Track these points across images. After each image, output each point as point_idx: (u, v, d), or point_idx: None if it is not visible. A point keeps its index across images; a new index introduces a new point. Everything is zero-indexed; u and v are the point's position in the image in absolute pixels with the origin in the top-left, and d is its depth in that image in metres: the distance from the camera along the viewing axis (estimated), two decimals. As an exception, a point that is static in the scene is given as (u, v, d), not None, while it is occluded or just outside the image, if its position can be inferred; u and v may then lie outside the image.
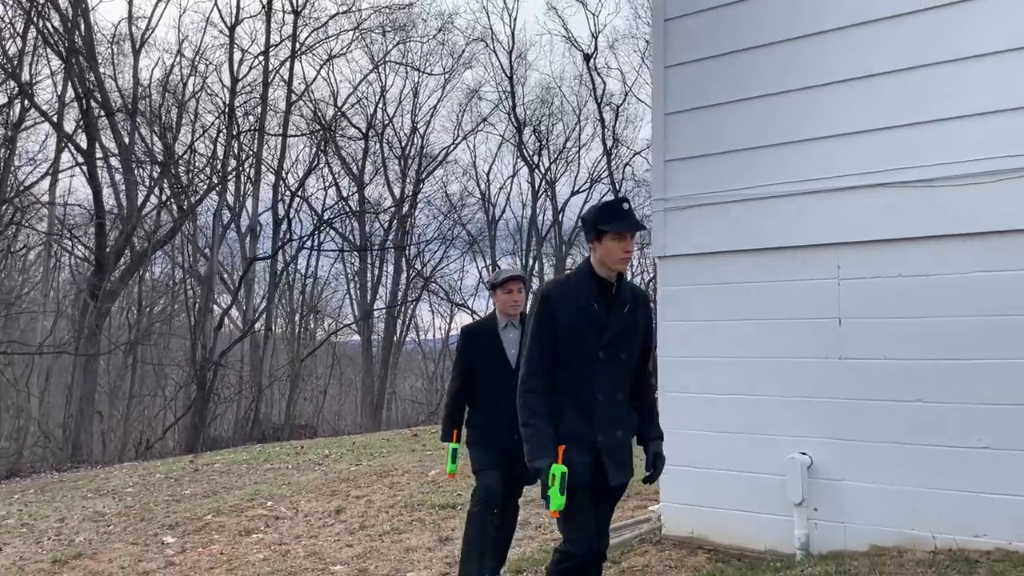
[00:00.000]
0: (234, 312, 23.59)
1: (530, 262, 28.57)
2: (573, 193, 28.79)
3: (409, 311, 28.92)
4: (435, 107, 28.22)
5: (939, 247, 4.06)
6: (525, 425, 2.92)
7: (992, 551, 3.75)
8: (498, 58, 27.83)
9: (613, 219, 2.94)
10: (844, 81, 4.36)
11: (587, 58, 26.74)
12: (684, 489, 4.71)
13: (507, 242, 29.75)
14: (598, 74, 26.68)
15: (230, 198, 22.71)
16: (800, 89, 4.50)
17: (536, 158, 28.52)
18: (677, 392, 4.87)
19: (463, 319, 29.19)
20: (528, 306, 3.78)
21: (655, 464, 3.04)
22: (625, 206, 3.01)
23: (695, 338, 4.84)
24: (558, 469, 2.80)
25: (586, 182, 28.40)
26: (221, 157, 21.37)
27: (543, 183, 28.81)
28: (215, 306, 21.61)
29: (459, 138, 28.24)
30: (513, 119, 27.54)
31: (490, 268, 28.27)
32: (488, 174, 30.02)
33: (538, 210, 28.72)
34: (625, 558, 4.49)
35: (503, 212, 29.33)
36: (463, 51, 27.63)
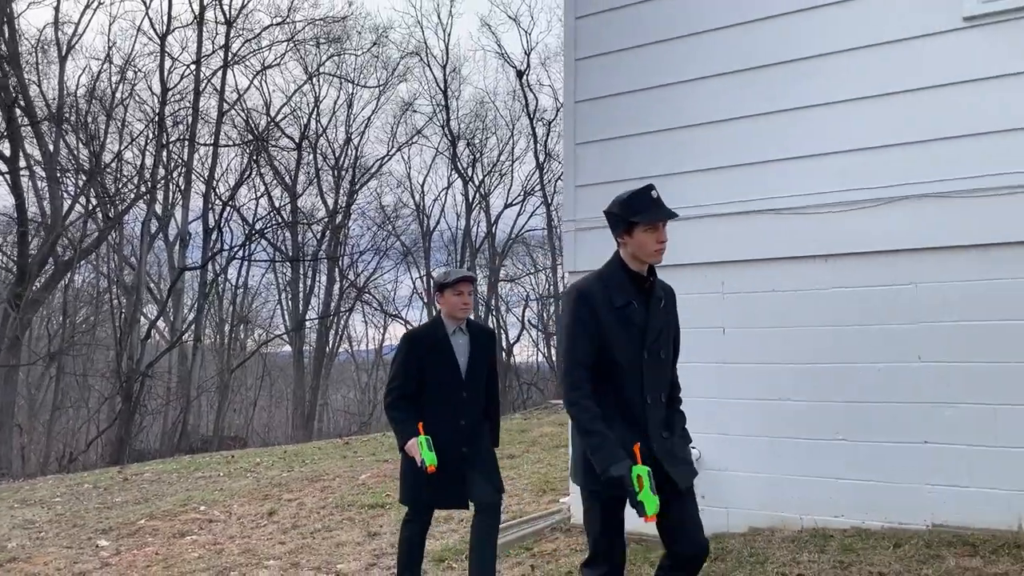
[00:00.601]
0: (161, 323, 23.31)
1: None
2: (507, 205, 29.36)
3: (342, 322, 29.01)
4: (369, 119, 28.52)
5: (802, 266, 4.68)
6: (588, 433, 2.66)
7: (848, 529, 4.36)
8: (432, 72, 28.30)
9: (644, 209, 2.74)
10: (724, 121, 4.96)
11: (520, 74, 27.47)
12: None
13: (441, 253, 30.14)
14: (531, 90, 27.46)
15: (159, 208, 22.47)
16: (688, 126, 5.09)
17: (470, 171, 29.04)
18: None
19: (397, 330, 29.41)
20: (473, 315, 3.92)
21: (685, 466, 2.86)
22: (654, 194, 2.79)
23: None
24: (642, 470, 2.55)
25: (519, 195, 29.03)
26: (150, 166, 21.19)
27: (477, 195, 29.32)
28: (142, 316, 21.35)
29: (393, 150, 28.56)
30: (447, 132, 28.03)
31: (424, 279, 28.62)
32: (423, 186, 30.39)
33: (472, 222, 29.21)
34: (536, 544, 4.96)
35: (437, 223, 29.73)
36: (397, 64, 28.00)
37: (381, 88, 27.92)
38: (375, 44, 27.22)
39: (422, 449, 3.72)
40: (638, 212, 2.74)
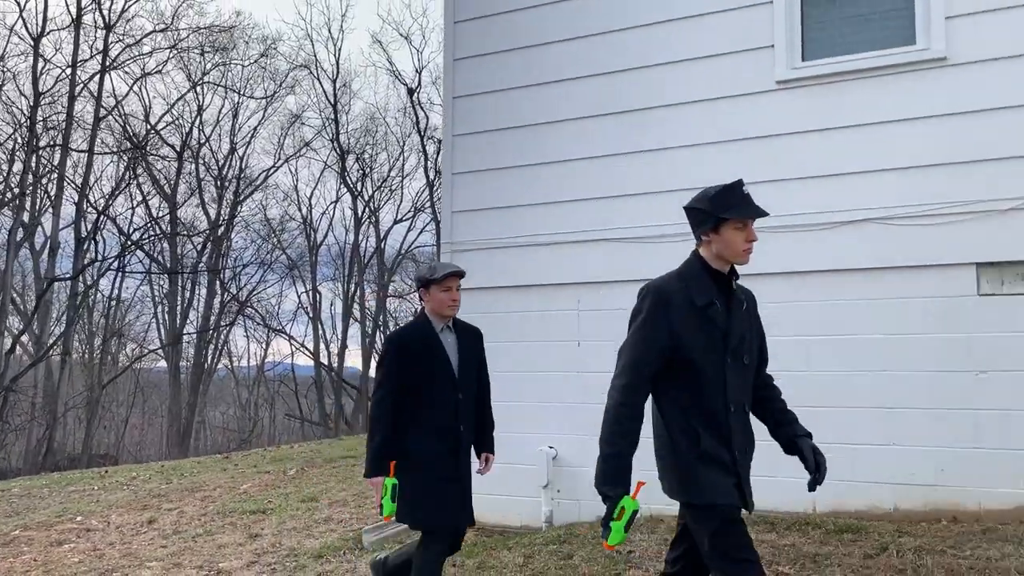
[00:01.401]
0: (26, 337, 22.20)
1: (351, 288, 28.99)
2: (396, 221, 29.61)
3: (222, 336, 28.40)
4: (256, 129, 28.20)
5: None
6: (609, 442, 2.53)
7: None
8: (322, 85, 28.33)
9: (736, 205, 2.57)
10: (587, 159, 5.64)
11: (411, 92, 27.85)
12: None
13: (329, 267, 30.03)
14: (421, 108, 27.89)
15: (27, 215, 21.47)
16: (555, 162, 5.74)
17: (359, 185, 29.15)
18: (459, 403, 5.91)
19: (280, 345, 29.06)
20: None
21: (818, 463, 2.64)
22: (745, 189, 2.61)
23: (474, 357, 5.90)
24: (631, 505, 2.50)
25: (410, 211, 29.37)
26: (18, 172, 20.29)
27: (367, 210, 29.44)
28: (5, 329, 20.31)
29: (280, 161, 28.34)
30: (337, 146, 28.07)
31: (310, 293, 28.46)
32: (311, 199, 30.40)
33: (361, 237, 29.30)
34: (408, 538, 5.40)
35: (325, 237, 29.63)
36: (286, 76, 27.87)
37: (268, 99, 27.73)
38: (263, 55, 27.03)
39: (385, 495, 3.44)
40: (730, 208, 2.55)
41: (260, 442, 24.88)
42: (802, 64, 5.15)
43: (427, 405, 3.55)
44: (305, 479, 8.67)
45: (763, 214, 2.59)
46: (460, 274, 3.67)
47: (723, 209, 2.56)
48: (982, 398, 4.58)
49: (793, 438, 2.69)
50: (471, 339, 3.78)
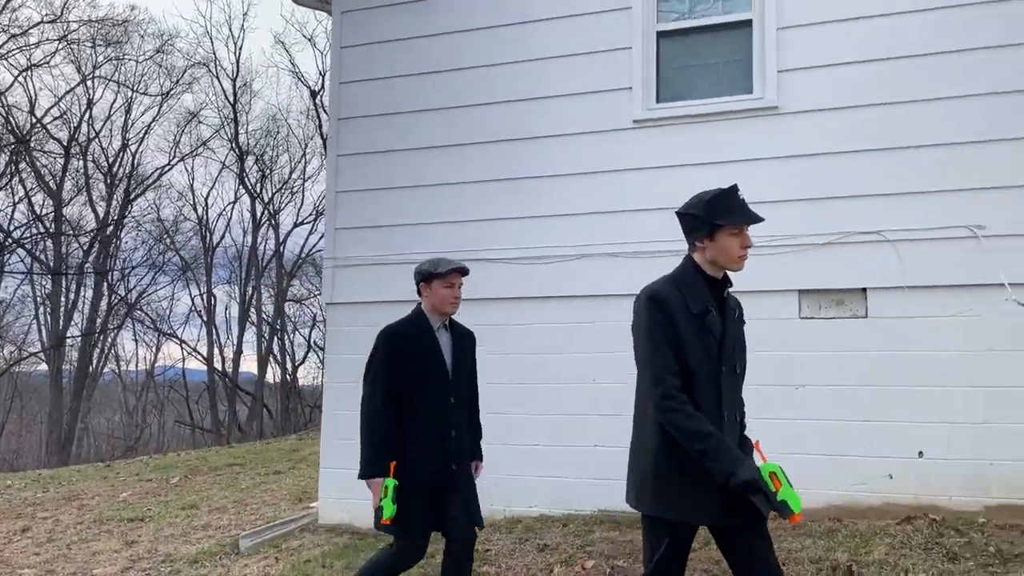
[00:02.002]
0: None
1: (249, 291, 28.47)
2: (296, 224, 29.27)
3: (109, 339, 27.38)
4: (150, 126, 27.38)
5: (514, 306, 5.81)
6: (703, 437, 2.38)
7: (538, 516, 5.48)
8: (221, 84, 27.76)
9: (732, 210, 2.54)
10: (467, 183, 6.02)
11: (314, 95, 27.65)
12: (336, 487, 6.01)
13: (225, 270, 29.44)
14: (324, 110, 27.69)
15: None
16: (436, 185, 6.10)
17: (259, 187, 28.68)
18: (342, 411, 6.17)
19: (171, 350, 28.25)
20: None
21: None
22: (740, 195, 2.58)
23: (356, 368, 6.16)
24: (773, 466, 2.35)
25: (311, 214, 29.08)
26: None
27: (266, 212, 28.98)
28: None
29: (175, 160, 27.60)
30: (235, 146, 27.57)
31: (204, 296, 27.79)
32: (207, 199, 29.65)
33: (260, 239, 28.81)
34: (284, 542, 5.64)
35: (222, 239, 29.00)
36: (183, 73, 27.19)
37: (164, 96, 26.98)
38: (159, 51, 26.32)
39: (385, 497, 3.29)
40: (725, 214, 2.52)
41: (147, 450, 24.13)
42: (656, 106, 5.69)
43: (418, 408, 3.38)
44: (188, 487, 8.69)
45: (759, 219, 2.54)
46: (464, 271, 3.52)
47: (719, 215, 2.52)
48: (799, 409, 5.20)
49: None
50: (466, 341, 3.63)
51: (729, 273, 2.65)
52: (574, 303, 5.73)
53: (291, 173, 29.36)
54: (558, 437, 5.66)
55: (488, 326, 5.85)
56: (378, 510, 3.32)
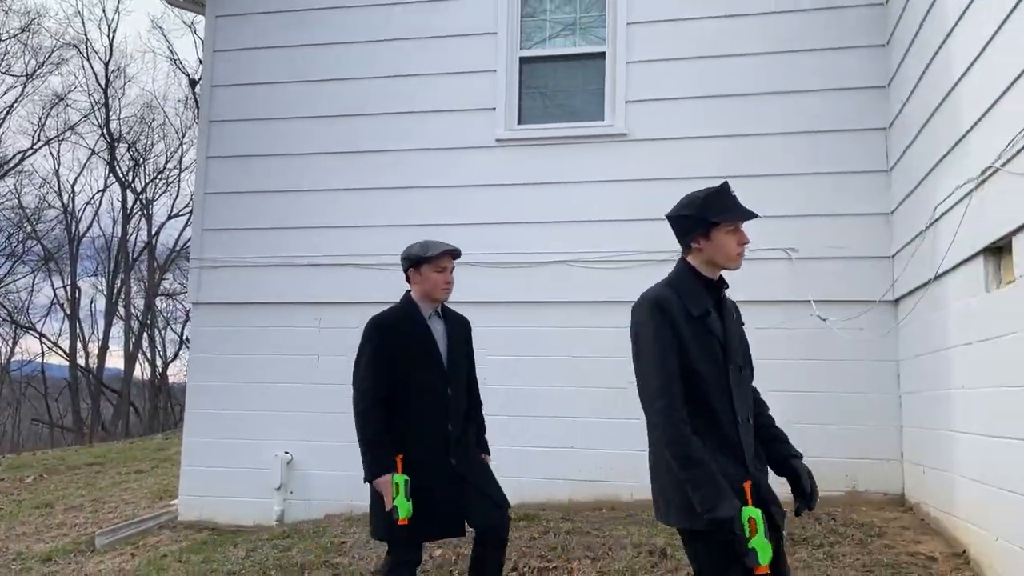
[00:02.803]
0: None
1: (117, 284, 27.24)
2: (171, 216, 28.24)
3: (-42, 331, 25.57)
4: (12, 107, 25.76)
5: (378, 310, 6.05)
6: (692, 463, 2.28)
7: (395, 510, 5.76)
8: (92, 66, 26.51)
9: (727, 208, 2.49)
10: (331, 191, 6.24)
11: (192, 83, 26.76)
12: (196, 484, 6.10)
13: (91, 261, 28.01)
14: (203, 102, 26.78)
15: None
16: (303, 191, 6.28)
17: (131, 176, 27.50)
18: (204, 410, 6.25)
19: (30, 343, 26.69)
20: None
21: (813, 489, 2.45)
22: (732, 192, 2.53)
23: (219, 368, 6.28)
24: (753, 512, 2.23)
25: (187, 205, 28.09)
26: None
27: (138, 203, 27.81)
28: None
29: (39, 143, 26.10)
30: (106, 132, 26.35)
31: (68, 288, 26.40)
32: (73, 186, 28.18)
33: (131, 230, 27.61)
34: (142, 539, 5.69)
35: (89, 228, 27.63)
36: (51, 54, 25.76)
37: (28, 77, 25.48)
38: (24, 30, 24.83)
39: (397, 495, 3.08)
40: (722, 211, 2.47)
41: (1, 449, 22.73)
42: (518, 127, 6.10)
43: (412, 402, 3.19)
44: (43, 486, 8.46)
45: (754, 215, 2.49)
46: (456, 253, 3.32)
47: (714, 213, 2.47)
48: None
49: (788, 458, 2.52)
50: (460, 328, 3.43)
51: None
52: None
53: (166, 163, 28.31)
54: (417, 435, 5.96)
55: (352, 329, 6.05)
56: (391, 511, 3.08)
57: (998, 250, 3.69)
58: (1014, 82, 3.33)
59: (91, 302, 27.96)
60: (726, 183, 2.54)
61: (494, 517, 3.22)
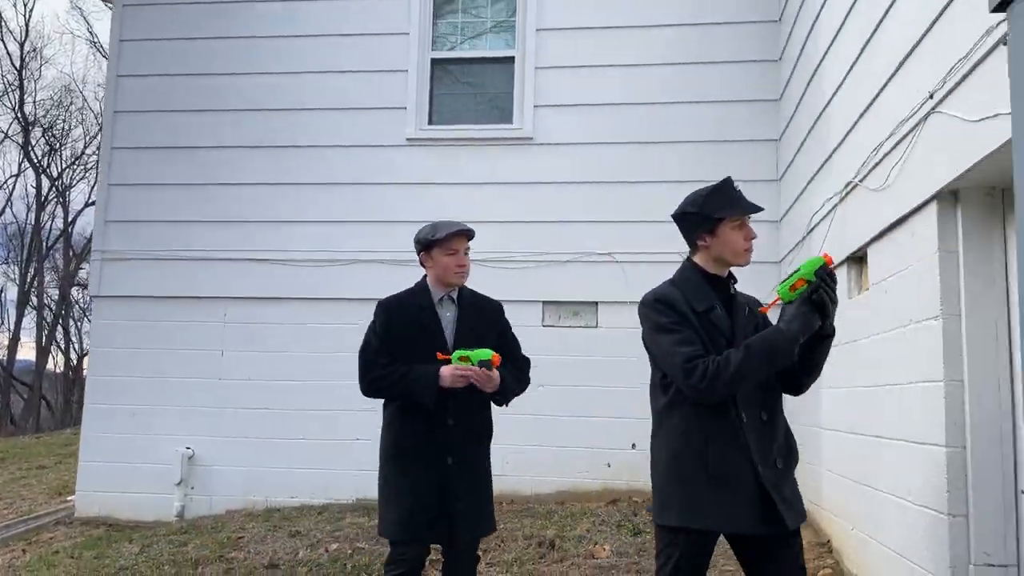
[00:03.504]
0: None
1: (30, 273, 26.21)
2: (88, 203, 27.25)
3: None
4: (-86, 86, 24.48)
5: (286, 306, 6.10)
6: (758, 359, 2.26)
7: (297, 505, 5.80)
8: (6, 46, 25.38)
9: (731, 203, 2.43)
10: (241, 184, 6.21)
11: (114, 68, 25.91)
12: (94, 479, 6.02)
13: (3, 249, 26.87)
14: (125, 87, 25.97)
15: None
16: (211, 184, 6.24)
17: (47, 161, 26.47)
18: (103, 404, 6.17)
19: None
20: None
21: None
22: (737, 187, 2.48)
23: (121, 362, 6.19)
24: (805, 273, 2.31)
25: (105, 194, 27.10)
26: None
27: (53, 189, 26.78)
28: None
29: (-54, 126, 24.85)
30: (20, 115, 25.29)
31: (-25, 276, 25.25)
32: (-17, 171, 26.79)
33: (45, 218, 26.58)
34: (36, 535, 5.59)
35: (0, 214, 26.48)
36: (-40, 32, 24.55)
37: (-65, 54, 24.24)
38: (-70, 4, 23.58)
39: (470, 361, 2.85)
40: (727, 206, 2.42)
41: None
42: (428, 127, 6.19)
43: None
44: (-64, 483, 8.17)
45: (759, 209, 2.45)
46: (469, 233, 3.05)
47: (718, 209, 2.41)
48: (539, 406, 5.86)
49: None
50: (479, 315, 3.11)
51: (735, 270, 2.53)
52: (343, 305, 6.08)
53: (85, 148, 27.34)
54: (321, 431, 5.99)
55: (259, 324, 6.11)
56: (477, 369, 2.84)
57: (859, 259, 3.96)
58: (870, 104, 3.59)
59: (2, 291, 26.85)
60: (728, 178, 2.50)
61: (469, 529, 2.91)
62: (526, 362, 3.20)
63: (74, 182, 27.75)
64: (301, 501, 5.86)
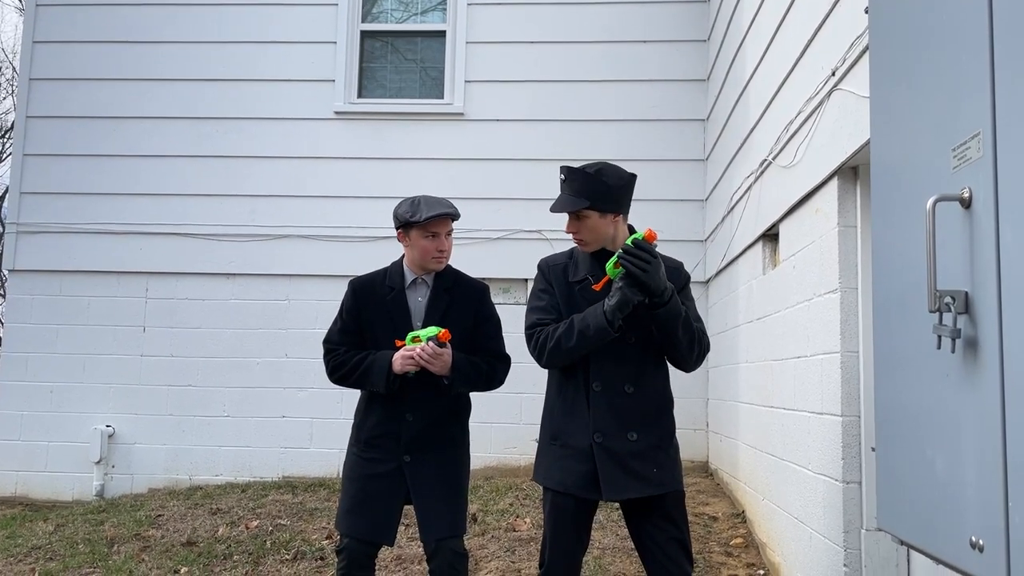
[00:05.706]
0: None
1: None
2: (17, 179, 26.23)
3: None
4: None
5: (212, 281, 5.97)
6: (566, 335, 2.41)
7: (222, 484, 5.72)
8: (-73, 13, 24.14)
9: (629, 196, 2.61)
10: (165, 156, 6.05)
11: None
12: (11, 458, 5.85)
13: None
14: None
15: None
16: (133, 156, 6.06)
17: (-27, 134, 25.34)
18: (18, 382, 5.97)
19: None
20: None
21: None
22: (562, 176, 2.56)
23: (38, 338, 6.00)
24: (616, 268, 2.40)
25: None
26: None
27: (-19, 163, 25.69)
28: None
29: None
30: (-56, 85, 24.15)
31: None
32: (-97, 143, 25.59)
33: (-30, 193, 25.49)
34: (-56, 518, 5.40)
35: (-79, 190, 25.31)
36: None
37: None
38: None
39: (421, 340, 2.63)
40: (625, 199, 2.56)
41: None
42: (357, 100, 6.10)
43: None
44: None
45: (566, 210, 2.51)
46: (453, 215, 2.76)
47: (628, 199, 2.58)
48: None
49: None
50: (455, 299, 2.84)
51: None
52: (269, 281, 6.00)
53: (14, 122, 26.21)
54: (245, 409, 5.90)
55: (182, 300, 5.98)
56: (424, 346, 2.62)
57: (773, 236, 4.04)
58: (783, 82, 3.64)
59: (-75, 268, 25.73)
60: (633, 175, 2.62)
61: (442, 530, 2.67)
62: (500, 358, 2.89)
63: (4, 155, 26.65)
64: (225, 479, 5.78)
